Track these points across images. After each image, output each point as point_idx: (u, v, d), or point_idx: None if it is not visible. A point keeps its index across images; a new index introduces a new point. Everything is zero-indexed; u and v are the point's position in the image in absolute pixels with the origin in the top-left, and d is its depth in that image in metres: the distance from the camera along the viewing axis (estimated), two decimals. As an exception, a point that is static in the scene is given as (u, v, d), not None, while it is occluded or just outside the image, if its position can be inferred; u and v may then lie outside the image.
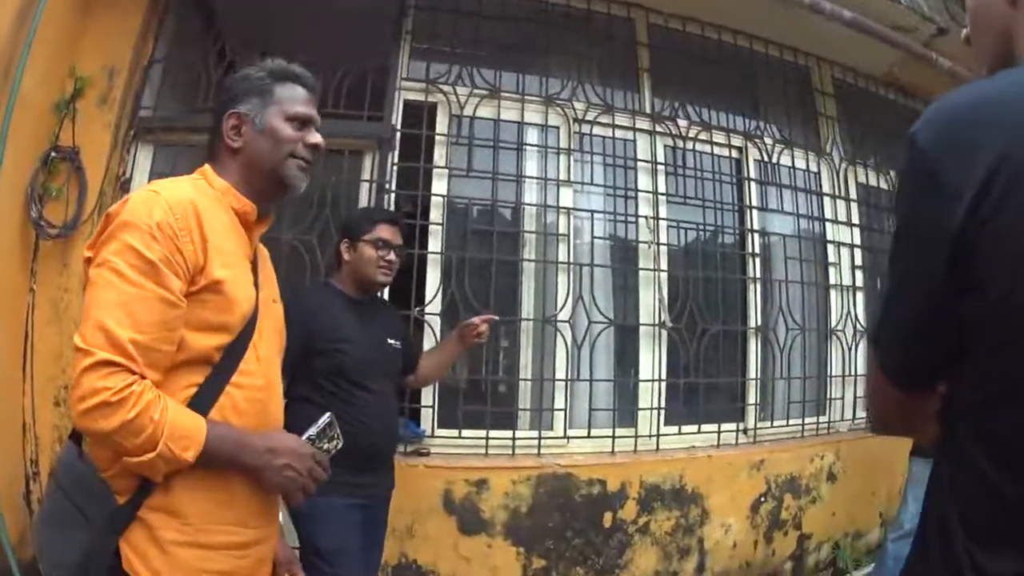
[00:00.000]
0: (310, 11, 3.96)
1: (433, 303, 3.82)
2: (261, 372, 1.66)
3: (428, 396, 3.77)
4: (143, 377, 1.42)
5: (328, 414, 1.79)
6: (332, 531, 2.64)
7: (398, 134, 3.94)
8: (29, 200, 3.47)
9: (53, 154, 3.54)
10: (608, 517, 3.84)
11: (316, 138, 1.79)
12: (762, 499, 4.28)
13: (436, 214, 3.94)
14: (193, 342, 1.51)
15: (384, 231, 2.93)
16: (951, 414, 1.07)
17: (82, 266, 1.57)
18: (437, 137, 4.00)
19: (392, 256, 2.93)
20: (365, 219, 3.01)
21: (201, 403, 1.52)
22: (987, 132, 0.95)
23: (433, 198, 3.95)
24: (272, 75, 1.79)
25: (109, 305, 1.42)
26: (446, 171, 3.98)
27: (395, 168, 3.90)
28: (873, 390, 1.20)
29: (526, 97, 4.19)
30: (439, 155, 3.99)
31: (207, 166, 1.74)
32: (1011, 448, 0.96)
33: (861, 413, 5.02)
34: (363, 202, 3.86)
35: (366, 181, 3.88)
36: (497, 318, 3.28)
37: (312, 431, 1.73)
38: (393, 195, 3.89)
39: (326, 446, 1.75)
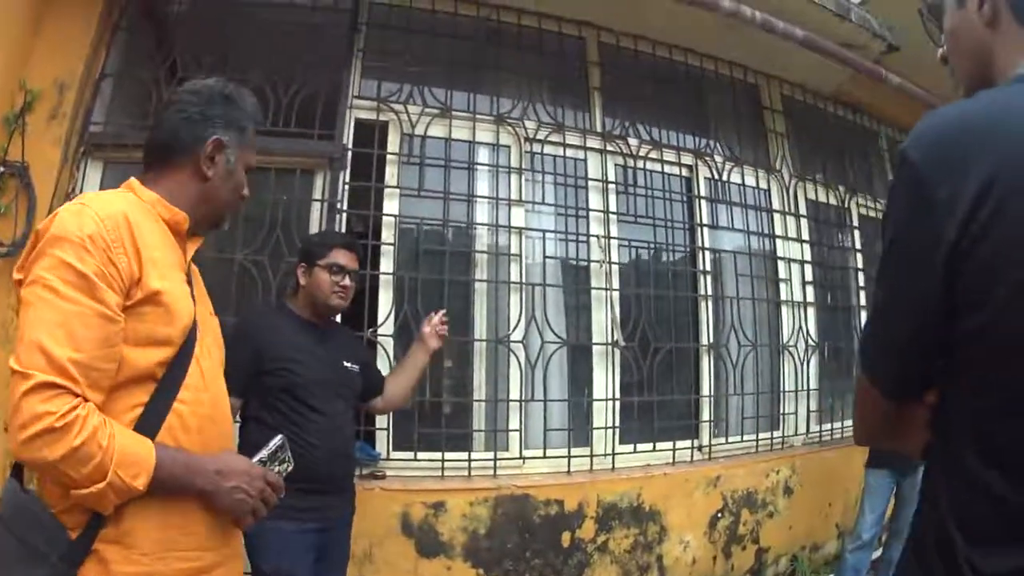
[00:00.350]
0: (261, 28, 3.97)
1: (386, 324, 3.82)
2: (207, 387, 1.63)
3: (383, 418, 3.75)
4: (86, 399, 1.36)
5: (280, 436, 1.79)
6: (276, 555, 2.63)
7: (349, 153, 3.95)
8: (-24, 217, 3.41)
9: (1, 169, 3.48)
10: (567, 537, 3.87)
11: (247, 190, 1.83)
12: (719, 514, 4.35)
13: (388, 234, 3.94)
14: (134, 359, 1.47)
15: (339, 256, 2.95)
16: (943, 422, 1.12)
17: (14, 288, 1.51)
18: (388, 156, 4.01)
19: (347, 281, 2.94)
20: (321, 244, 3.02)
21: (148, 424, 1.48)
22: (976, 152, 0.99)
23: (384, 218, 3.96)
24: (251, 118, 1.80)
25: (45, 323, 1.36)
26: (397, 191, 4.00)
27: (346, 187, 3.90)
28: (861, 401, 1.25)
29: (477, 116, 4.23)
30: (390, 174, 4.01)
31: (133, 180, 1.71)
32: (1008, 455, 1.00)
33: (815, 427, 5.13)
34: (314, 221, 3.85)
35: (317, 200, 3.88)
36: (444, 313, 3.30)
37: (263, 453, 1.72)
38: (344, 215, 3.88)
39: (277, 468, 1.74)
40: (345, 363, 2.99)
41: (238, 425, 2.77)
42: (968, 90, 1.26)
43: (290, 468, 1.79)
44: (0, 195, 3.49)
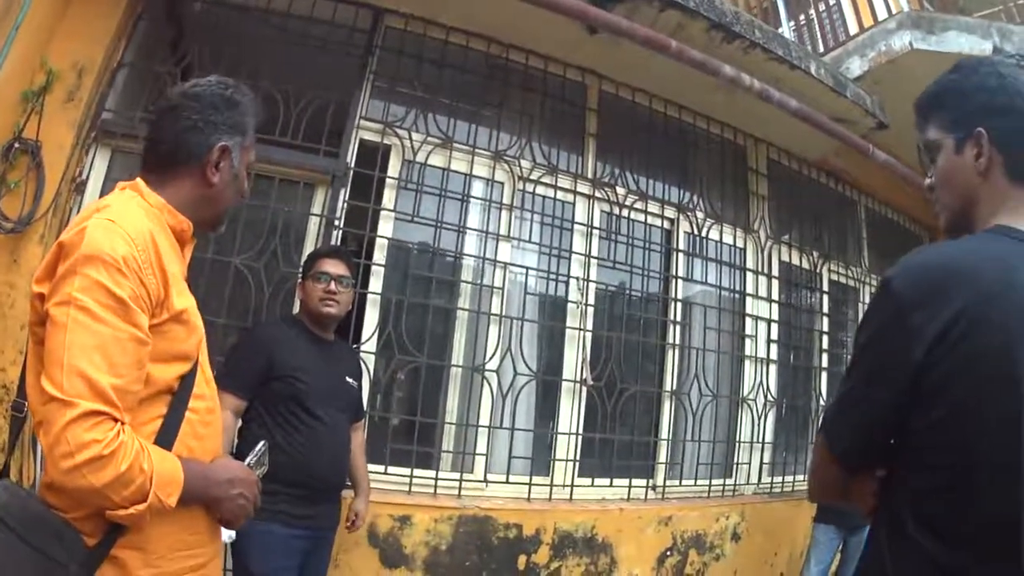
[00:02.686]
0: (279, 38, 4.20)
1: (370, 342, 4.11)
2: (210, 393, 1.73)
3: None
4: (124, 423, 1.41)
5: (264, 442, 1.92)
6: (267, 557, 2.85)
7: (351, 172, 4.20)
8: (-13, 189, 3.47)
9: (16, 145, 3.55)
10: (522, 560, 4.17)
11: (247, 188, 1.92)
12: (668, 553, 4.68)
13: (379, 255, 4.22)
14: (159, 375, 1.54)
15: (324, 264, 3.29)
16: (889, 492, 1.38)
17: (30, 291, 1.53)
18: (388, 180, 4.29)
19: (332, 286, 3.24)
20: (311, 257, 3.38)
21: (167, 434, 1.56)
22: (951, 290, 1.26)
23: (378, 239, 4.22)
24: (253, 113, 1.86)
25: (84, 348, 1.38)
26: (393, 214, 4.27)
27: (345, 205, 4.15)
28: (818, 464, 1.52)
29: (476, 150, 4.55)
30: (388, 198, 4.28)
31: (140, 180, 1.72)
32: (943, 526, 1.25)
33: (767, 478, 5.53)
34: (311, 234, 4.11)
35: (316, 215, 4.13)
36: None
37: (251, 458, 1.84)
38: (340, 232, 4.12)
39: (259, 472, 1.85)
40: (347, 378, 3.31)
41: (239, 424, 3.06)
42: (948, 222, 1.53)
43: (265, 471, 1.91)
44: (11, 171, 3.56)
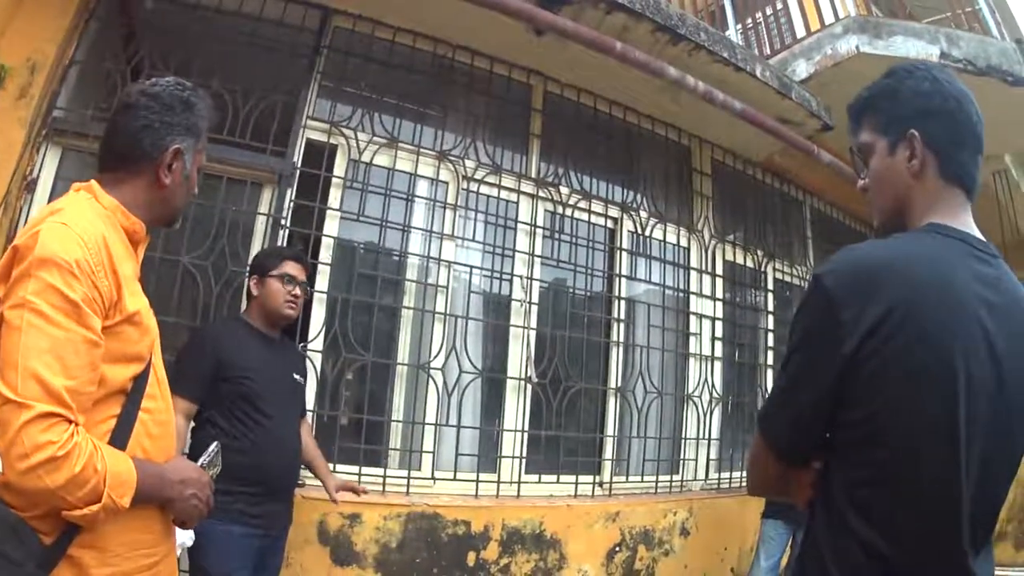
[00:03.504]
0: (229, 37, 4.25)
1: (316, 340, 4.18)
2: (162, 392, 1.77)
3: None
4: (78, 424, 1.45)
5: (216, 443, 1.99)
6: (223, 556, 2.90)
7: (298, 171, 4.26)
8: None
9: None
10: (472, 557, 4.26)
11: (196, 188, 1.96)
12: (617, 548, 4.80)
13: (325, 254, 4.30)
14: (112, 376, 1.58)
15: (290, 267, 3.37)
16: (826, 484, 1.42)
17: None
18: (334, 179, 4.37)
19: (297, 291, 3.36)
20: (273, 256, 3.43)
21: (121, 434, 1.60)
22: (881, 287, 1.31)
23: (324, 239, 4.30)
24: (206, 119, 1.89)
25: (38, 351, 1.42)
26: (339, 214, 4.35)
27: (292, 204, 4.21)
28: (755, 459, 1.57)
29: (421, 149, 4.65)
30: (334, 197, 4.36)
31: (94, 182, 1.74)
32: (880, 516, 1.31)
33: (714, 474, 5.71)
34: (258, 234, 4.16)
35: (263, 214, 4.18)
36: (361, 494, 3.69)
37: (204, 459, 1.90)
38: (287, 231, 4.17)
39: (212, 472, 1.91)
40: (295, 375, 3.40)
41: (191, 427, 3.12)
42: (881, 223, 1.58)
43: (218, 471, 1.97)
44: (-38, 169, 3.50)
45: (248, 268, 3.50)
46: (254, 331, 3.33)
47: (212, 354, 3.12)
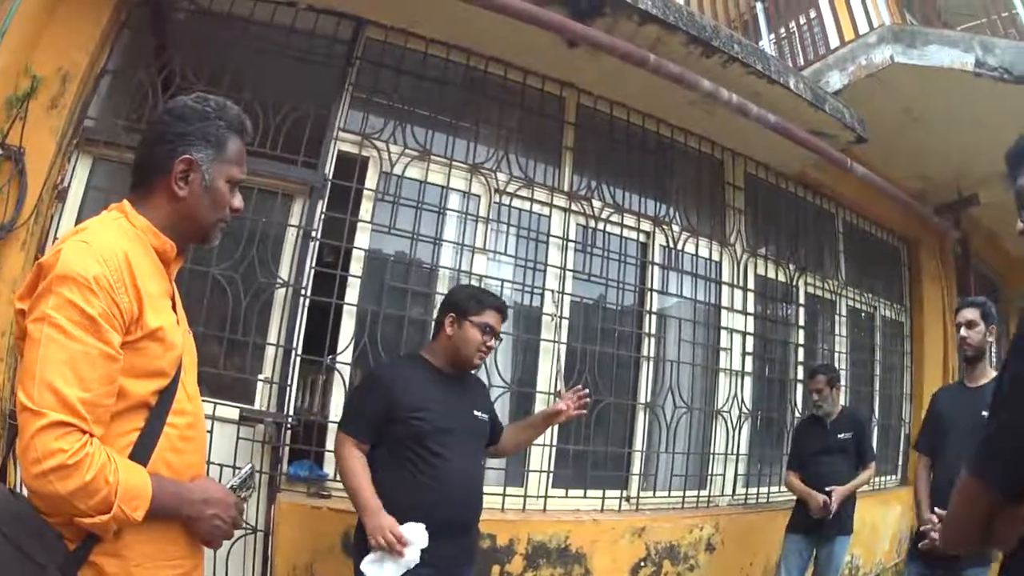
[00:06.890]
0: (260, 48, 4.25)
1: (345, 353, 4.16)
2: (192, 409, 1.79)
3: (330, 441, 3.95)
4: (92, 436, 1.49)
5: (250, 464, 1.97)
6: None
7: (329, 183, 4.24)
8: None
9: (0, 151, 3.56)
10: (496, 570, 4.22)
11: (240, 202, 1.92)
12: (642, 563, 4.76)
13: (356, 267, 4.27)
14: (133, 389, 1.61)
15: (491, 317, 3.22)
16: None
17: (12, 308, 1.66)
18: (365, 191, 4.34)
19: (493, 343, 3.26)
20: (476, 300, 3.25)
21: (144, 448, 1.63)
22: None
23: (355, 251, 4.27)
24: (229, 126, 1.86)
25: (55, 363, 1.47)
26: (370, 226, 4.32)
27: (323, 217, 4.18)
28: (963, 500, 1.50)
29: (453, 162, 4.62)
30: (365, 209, 4.33)
31: (126, 203, 1.78)
32: None
33: (741, 490, 5.66)
34: (288, 245, 4.14)
35: (294, 226, 4.16)
36: (587, 394, 3.58)
37: (235, 481, 1.90)
38: (317, 243, 4.16)
39: (244, 494, 1.91)
40: (476, 412, 3.26)
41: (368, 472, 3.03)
42: None
43: (253, 493, 1.98)
44: (-5, 177, 3.56)
45: (446, 304, 3.36)
46: (430, 369, 3.22)
47: (383, 395, 3.04)
